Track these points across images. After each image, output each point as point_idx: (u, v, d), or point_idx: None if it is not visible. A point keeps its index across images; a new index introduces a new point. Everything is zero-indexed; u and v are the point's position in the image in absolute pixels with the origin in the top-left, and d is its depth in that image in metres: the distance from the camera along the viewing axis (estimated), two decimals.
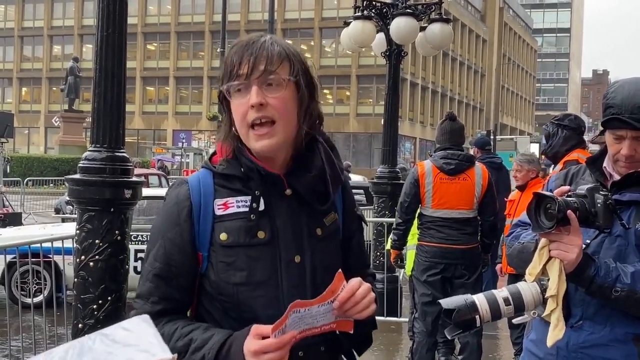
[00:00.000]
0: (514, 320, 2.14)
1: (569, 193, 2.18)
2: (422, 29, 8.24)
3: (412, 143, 56.16)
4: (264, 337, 1.50)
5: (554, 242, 2.15)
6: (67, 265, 5.43)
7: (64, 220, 13.20)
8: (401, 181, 7.56)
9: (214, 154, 1.78)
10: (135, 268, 6.99)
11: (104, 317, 4.08)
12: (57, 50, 60.37)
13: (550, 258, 2.15)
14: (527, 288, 2.11)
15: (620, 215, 2.23)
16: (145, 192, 5.46)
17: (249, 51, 1.67)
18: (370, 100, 52.49)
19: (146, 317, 1.29)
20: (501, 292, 2.09)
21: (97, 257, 4.08)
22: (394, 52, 8.23)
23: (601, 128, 2.39)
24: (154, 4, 57.95)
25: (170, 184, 1.73)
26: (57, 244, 5.40)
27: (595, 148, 2.53)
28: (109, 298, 4.11)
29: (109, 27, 4.11)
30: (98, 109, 4.16)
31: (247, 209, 1.68)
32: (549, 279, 2.13)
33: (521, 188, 6.14)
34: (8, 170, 23.29)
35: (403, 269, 6.79)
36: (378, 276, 6.08)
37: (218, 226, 1.68)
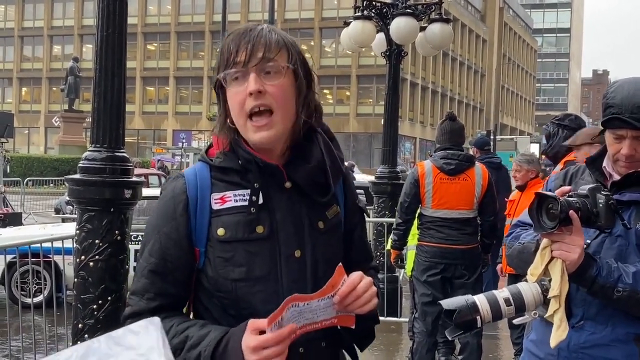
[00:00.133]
0: (515, 321, 2.14)
1: (570, 193, 2.18)
2: (422, 29, 8.24)
3: (412, 143, 56.16)
4: (261, 332, 1.48)
5: (556, 243, 2.15)
6: (67, 265, 5.43)
7: (64, 220, 13.21)
8: (401, 181, 7.56)
9: (210, 146, 1.75)
10: (135, 268, 6.96)
11: (104, 317, 4.08)
12: (57, 50, 60.36)
13: (552, 258, 2.14)
14: (528, 288, 2.10)
15: (622, 216, 2.22)
16: (145, 192, 5.45)
17: (246, 38, 1.64)
18: (370, 100, 52.49)
19: (156, 320, 1.27)
20: (502, 293, 2.08)
21: (97, 257, 4.08)
22: (394, 52, 8.23)
23: (601, 128, 2.39)
24: (154, 4, 57.95)
25: (168, 177, 1.67)
26: (57, 244, 5.39)
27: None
28: (109, 298, 4.10)
29: (109, 27, 4.11)
30: (98, 109, 4.15)
31: (245, 203, 1.64)
32: (550, 280, 2.13)
33: (521, 188, 6.13)
34: (8, 170, 23.30)
35: (403, 269, 6.79)
36: (378, 276, 6.07)
37: (215, 221, 1.64)
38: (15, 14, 60.73)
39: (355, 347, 1.81)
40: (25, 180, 20.74)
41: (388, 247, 6.18)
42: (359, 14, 8.19)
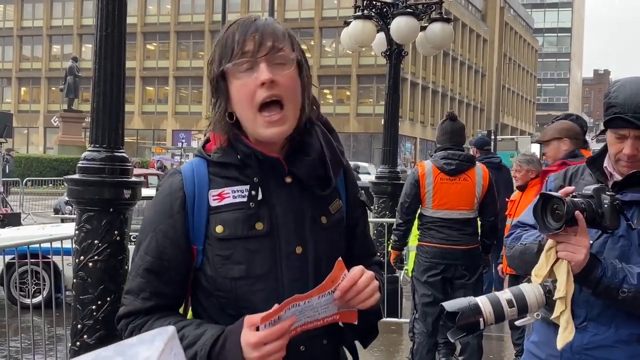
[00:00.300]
0: (517, 322, 2.12)
1: (574, 193, 2.16)
2: (423, 28, 8.23)
3: (413, 143, 56.17)
4: (257, 328, 1.45)
5: (561, 244, 2.13)
6: (66, 266, 5.40)
7: (63, 220, 13.20)
8: (401, 181, 7.55)
9: (207, 141, 1.69)
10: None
11: (103, 317, 4.07)
12: (56, 50, 60.37)
13: (557, 259, 2.13)
14: (530, 290, 2.09)
15: (626, 216, 2.21)
16: (145, 192, 5.44)
17: (252, 28, 1.59)
18: (371, 100, 52.50)
19: (169, 329, 1.24)
20: (504, 294, 2.07)
21: (96, 257, 4.07)
22: (395, 52, 8.21)
23: (602, 128, 2.38)
24: (153, 3, 57.96)
25: (164, 173, 1.62)
26: (56, 245, 5.38)
27: (597, 148, 2.53)
28: (108, 299, 4.09)
29: (108, 27, 4.09)
30: (97, 108, 4.14)
31: (244, 199, 1.60)
32: (552, 281, 2.12)
33: (521, 188, 6.12)
34: (7, 171, 23.29)
35: (403, 270, 6.77)
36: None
37: (213, 218, 1.60)
38: (14, 14, 60.73)
39: (357, 344, 1.77)
40: (25, 181, 20.71)
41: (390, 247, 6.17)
42: (359, 13, 8.18)
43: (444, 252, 5.25)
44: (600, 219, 2.14)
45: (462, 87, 65.10)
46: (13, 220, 13.31)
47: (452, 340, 1.95)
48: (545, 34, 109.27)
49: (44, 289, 7.76)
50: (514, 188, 6.56)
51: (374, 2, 8.21)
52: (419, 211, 5.42)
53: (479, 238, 5.40)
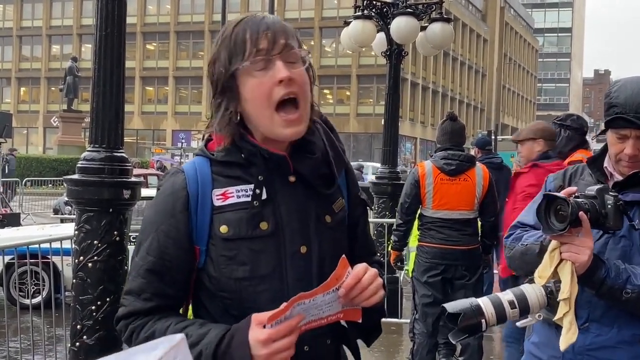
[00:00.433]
0: (519, 323, 2.11)
1: (577, 194, 2.16)
2: (423, 28, 8.22)
3: (413, 143, 56.17)
4: (264, 326, 1.44)
5: (565, 245, 2.12)
6: (66, 266, 5.39)
7: (62, 220, 13.19)
8: (401, 182, 7.54)
9: (209, 140, 1.67)
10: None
11: (103, 318, 4.06)
12: (56, 50, 60.37)
13: (560, 260, 2.12)
14: (532, 291, 2.08)
15: (630, 217, 2.20)
16: (144, 192, 5.43)
17: (263, 25, 1.57)
18: (371, 100, 52.50)
19: (176, 337, 1.22)
20: (506, 295, 2.06)
21: (95, 257, 4.06)
22: (395, 52, 8.21)
23: (603, 128, 2.38)
24: (153, 3, 57.96)
25: (165, 172, 1.59)
26: (56, 245, 5.37)
27: (597, 148, 2.53)
28: (108, 299, 4.08)
29: (107, 27, 4.08)
30: (97, 109, 4.13)
31: (248, 199, 1.58)
32: (554, 281, 2.11)
33: None
34: (6, 171, 23.28)
35: (403, 270, 6.76)
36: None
37: (217, 218, 1.57)
38: (14, 14, 60.73)
39: (359, 343, 1.76)
40: (24, 181, 20.70)
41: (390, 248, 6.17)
42: (359, 13, 8.17)
43: (444, 253, 5.24)
44: (603, 219, 2.13)
45: (463, 87, 65.11)
46: (12, 220, 13.30)
47: (454, 342, 1.95)
48: (546, 34, 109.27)
49: (43, 289, 7.75)
50: None
51: (374, 2, 8.20)
52: (419, 211, 5.42)
53: (479, 238, 5.39)
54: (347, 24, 8.43)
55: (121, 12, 4.12)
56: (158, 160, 33.85)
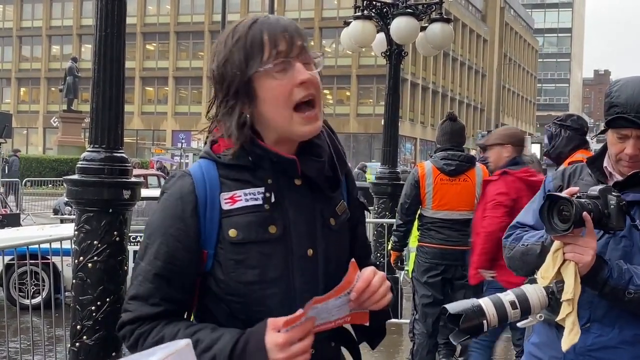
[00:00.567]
0: (520, 324, 2.11)
1: (579, 194, 2.15)
2: (423, 28, 8.21)
3: (413, 143, 56.17)
4: (279, 331, 1.44)
5: (568, 245, 2.12)
6: (66, 267, 5.39)
7: (62, 221, 13.18)
8: (402, 182, 7.54)
9: (214, 142, 1.65)
10: (134, 269, 6.93)
11: (102, 318, 4.05)
12: (56, 50, 60.37)
13: (564, 261, 2.11)
14: (533, 291, 2.08)
15: (632, 217, 2.20)
16: (144, 192, 5.43)
17: (280, 27, 1.57)
18: (371, 100, 52.51)
19: (180, 343, 1.21)
20: (507, 296, 2.06)
21: (95, 258, 4.05)
22: (395, 52, 8.20)
23: (602, 128, 2.37)
24: (153, 3, 57.96)
25: (170, 175, 1.58)
26: (56, 245, 5.37)
27: (599, 148, 2.52)
28: (108, 299, 4.07)
29: (107, 27, 4.08)
30: (97, 109, 4.12)
31: (257, 202, 1.56)
32: (555, 282, 2.11)
33: None
34: (7, 171, 23.27)
35: (404, 270, 6.76)
36: None
37: (226, 222, 1.56)
38: (14, 14, 60.73)
39: (360, 347, 1.76)
40: (24, 181, 20.70)
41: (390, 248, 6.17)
42: (359, 13, 8.17)
43: (444, 253, 5.24)
44: (606, 219, 2.13)
45: (462, 88, 65.11)
46: (12, 220, 13.30)
47: (455, 343, 1.94)
48: (546, 34, 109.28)
49: (43, 289, 7.75)
50: None
51: (374, 3, 8.19)
52: (419, 212, 5.41)
53: None
54: (347, 24, 8.43)
55: (121, 13, 4.11)
56: (158, 161, 33.85)
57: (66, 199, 5.16)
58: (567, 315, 2.07)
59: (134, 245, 6.90)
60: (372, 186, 8.41)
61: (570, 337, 2.08)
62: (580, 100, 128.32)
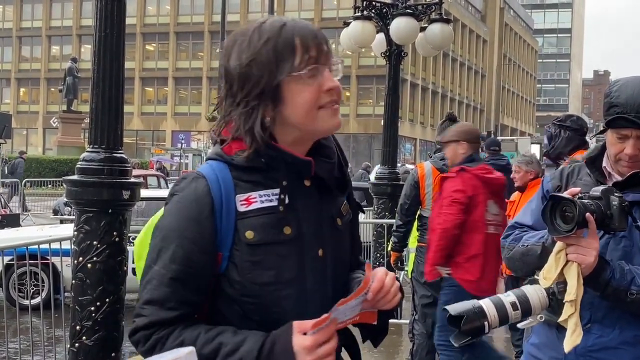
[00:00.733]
0: (520, 325, 2.11)
1: (580, 195, 2.15)
2: (422, 29, 8.21)
3: (413, 144, 56.17)
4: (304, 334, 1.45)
5: (571, 246, 2.11)
6: (65, 267, 5.39)
7: (62, 221, 13.17)
8: (401, 182, 7.53)
9: (223, 143, 1.62)
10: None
11: (102, 319, 4.05)
12: (56, 51, 60.37)
13: (566, 262, 2.11)
14: (534, 292, 2.07)
15: (635, 217, 2.20)
16: (144, 193, 5.43)
17: (311, 32, 1.58)
18: (370, 100, 52.52)
19: (184, 350, 1.20)
20: (508, 297, 2.05)
21: (95, 258, 4.05)
22: (394, 53, 8.20)
23: (602, 127, 2.37)
24: (152, 4, 57.95)
25: (180, 177, 1.56)
26: (55, 246, 5.36)
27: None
28: (107, 300, 4.07)
29: (107, 28, 4.08)
30: (96, 109, 4.12)
31: (271, 204, 1.56)
32: (557, 283, 2.10)
33: (521, 189, 6.12)
34: (6, 171, 23.27)
35: (403, 271, 6.76)
36: None
37: (242, 223, 1.55)
38: (14, 14, 60.72)
39: (360, 347, 1.77)
40: (24, 181, 20.70)
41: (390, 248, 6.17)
42: (359, 14, 8.16)
43: None
44: (609, 220, 2.12)
45: (462, 88, 65.12)
46: (12, 221, 13.29)
47: (456, 345, 1.94)
48: (545, 35, 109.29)
49: (42, 290, 7.75)
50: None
51: (374, 3, 8.19)
52: (418, 212, 5.41)
53: None
54: (346, 24, 8.42)
55: (120, 13, 4.11)
56: (157, 161, 33.85)
57: (66, 200, 5.15)
58: (570, 316, 2.07)
59: (134, 245, 6.89)
60: (372, 186, 8.41)
61: (572, 339, 2.08)
62: (580, 101, 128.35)
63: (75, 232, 4.12)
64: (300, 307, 1.52)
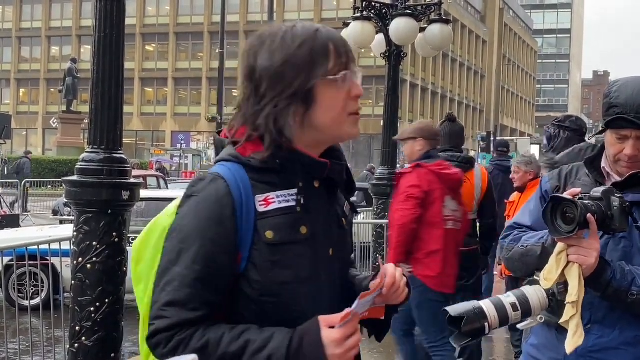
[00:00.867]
0: (520, 325, 2.11)
1: (581, 195, 2.15)
2: (422, 29, 8.22)
3: None
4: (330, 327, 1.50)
5: (572, 247, 2.11)
6: (65, 268, 5.39)
7: (61, 222, 13.17)
8: None
9: (237, 144, 1.63)
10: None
11: (102, 319, 4.05)
12: (55, 51, 60.38)
13: (568, 263, 2.11)
14: (534, 293, 2.07)
15: (635, 218, 2.20)
16: (143, 193, 5.43)
17: (342, 39, 1.64)
18: (370, 101, 52.51)
19: (187, 357, 1.20)
20: (508, 298, 2.06)
21: (94, 259, 4.04)
22: (394, 53, 8.21)
23: (601, 128, 2.37)
24: (152, 4, 57.96)
25: (195, 179, 1.55)
26: (55, 246, 5.36)
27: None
28: (107, 300, 4.06)
29: (106, 28, 4.07)
30: (96, 110, 4.12)
31: (288, 204, 1.60)
32: (557, 283, 2.10)
33: (520, 189, 6.12)
34: (5, 172, 23.26)
35: None
36: None
37: (261, 223, 1.57)
38: (13, 15, 60.74)
39: (360, 346, 1.80)
40: (23, 182, 20.69)
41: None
42: (358, 14, 8.17)
43: None
44: (609, 221, 2.12)
45: (462, 89, 65.13)
46: (11, 221, 13.29)
47: (456, 347, 1.94)
48: (545, 35, 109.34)
49: (42, 290, 7.75)
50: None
51: (373, 4, 8.20)
52: None
53: (477, 240, 5.38)
54: (346, 25, 8.43)
55: (120, 13, 4.11)
56: (157, 162, 33.83)
57: (65, 200, 5.16)
58: (571, 317, 2.06)
59: (132, 245, 6.88)
60: (372, 187, 8.42)
61: (574, 340, 2.07)
62: (579, 101, 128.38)
63: (75, 233, 4.12)
64: (316, 305, 1.57)
